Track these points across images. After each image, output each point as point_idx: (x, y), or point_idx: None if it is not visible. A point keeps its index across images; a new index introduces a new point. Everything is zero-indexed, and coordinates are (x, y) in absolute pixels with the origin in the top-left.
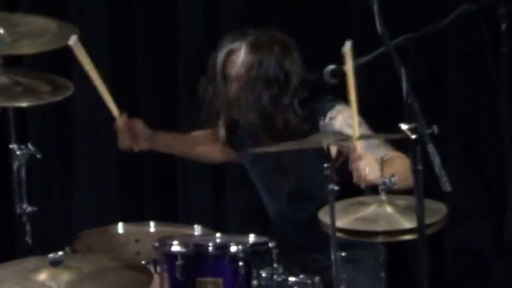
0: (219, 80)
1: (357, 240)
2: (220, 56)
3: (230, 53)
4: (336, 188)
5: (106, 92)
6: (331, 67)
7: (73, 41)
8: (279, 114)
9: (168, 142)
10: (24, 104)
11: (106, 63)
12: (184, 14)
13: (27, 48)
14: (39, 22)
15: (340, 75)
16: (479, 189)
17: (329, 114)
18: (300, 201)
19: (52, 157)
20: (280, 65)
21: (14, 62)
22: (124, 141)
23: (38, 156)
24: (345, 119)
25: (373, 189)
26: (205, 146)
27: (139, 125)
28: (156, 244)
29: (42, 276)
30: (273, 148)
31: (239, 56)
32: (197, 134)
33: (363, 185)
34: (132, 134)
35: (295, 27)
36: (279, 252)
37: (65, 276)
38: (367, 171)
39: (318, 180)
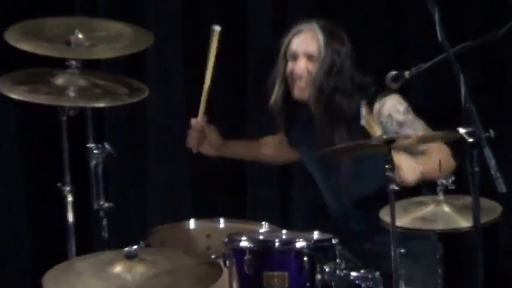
0: (281, 58)
1: (416, 234)
2: (289, 35)
3: (299, 32)
4: (397, 188)
5: (207, 90)
6: (393, 72)
7: (217, 29)
8: (338, 98)
9: (236, 151)
10: (102, 105)
11: (179, 65)
12: (253, 18)
13: (104, 52)
14: (116, 27)
15: (402, 80)
16: None
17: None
18: (355, 189)
19: (127, 156)
20: (348, 53)
21: (92, 65)
22: (192, 140)
23: (114, 155)
24: (393, 105)
25: (430, 189)
26: (270, 150)
27: (212, 131)
28: (226, 240)
29: (118, 268)
30: (335, 147)
31: (312, 35)
32: (263, 140)
33: (409, 184)
34: (202, 136)
35: (358, 34)
36: (342, 246)
37: (139, 269)
38: (406, 177)
39: (372, 167)
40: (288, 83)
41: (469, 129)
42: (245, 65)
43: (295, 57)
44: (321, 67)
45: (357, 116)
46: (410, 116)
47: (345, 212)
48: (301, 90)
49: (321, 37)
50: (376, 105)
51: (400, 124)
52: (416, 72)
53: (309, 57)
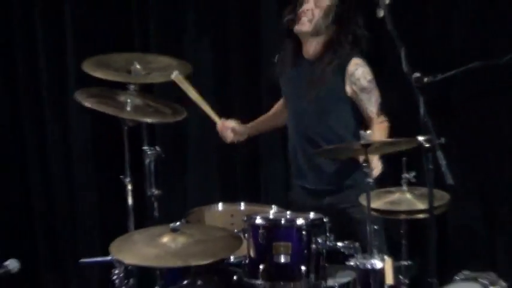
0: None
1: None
2: None
3: None
4: (372, 181)
5: (206, 106)
6: (417, 74)
7: (174, 75)
8: (336, 35)
9: (257, 130)
10: (151, 121)
11: (210, 85)
12: (266, 34)
13: (156, 79)
14: (164, 60)
15: (421, 82)
16: (474, 183)
17: (353, 61)
18: (318, 143)
19: (172, 156)
20: (353, 7)
21: (147, 89)
22: (226, 138)
23: (163, 155)
24: (364, 72)
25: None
26: (279, 115)
27: (234, 124)
28: (245, 218)
29: (165, 239)
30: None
31: None
32: (272, 110)
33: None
34: (229, 131)
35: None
36: (297, 204)
37: (181, 239)
38: (375, 172)
39: (337, 133)
40: (293, 37)
41: (426, 137)
42: (259, 74)
43: (306, 1)
44: (326, 10)
45: (342, 64)
46: (372, 86)
47: (308, 165)
48: (303, 24)
49: None
50: (353, 66)
51: (363, 89)
52: (432, 81)
53: (317, 1)
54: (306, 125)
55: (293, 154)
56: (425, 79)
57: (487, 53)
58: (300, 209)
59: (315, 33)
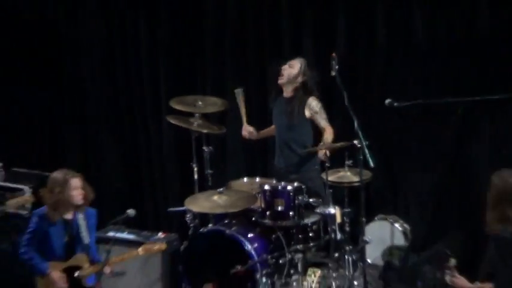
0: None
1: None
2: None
3: (288, 60)
4: (328, 165)
5: (244, 113)
6: (389, 100)
7: (238, 90)
8: (299, 89)
9: (263, 135)
10: (207, 132)
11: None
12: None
13: (209, 109)
14: (214, 99)
15: (392, 104)
16: (383, 164)
17: (310, 99)
18: (290, 145)
19: (219, 152)
20: (311, 70)
21: (204, 115)
22: (244, 135)
23: (213, 151)
24: (317, 103)
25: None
26: (274, 129)
27: (252, 129)
28: (259, 186)
29: (215, 197)
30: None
31: (294, 60)
32: (270, 127)
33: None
34: (249, 133)
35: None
36: (277, 177)
37: (223, 197)
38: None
39: (301, 139)
40: (278, 86)
41: (357, 141)
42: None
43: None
44: (294, 70)
45: (304, 100)
46: (322, 110)
47: (284, 156)
48: (281, 78)
49: (298, 60)
50: (310, 101)
51: (316, 112)
52: (401, 106)
53: (290, 65)
54: (283, 135)
55: (278, 150)
56: (395, 104)
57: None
58: (279, 180)
59: (288, 83)
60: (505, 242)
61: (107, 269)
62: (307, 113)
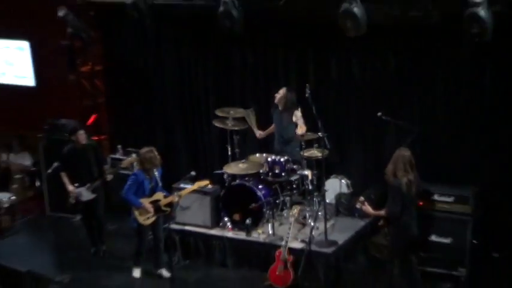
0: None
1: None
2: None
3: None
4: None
5: (254, 124)
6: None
7: (250, 110)
8: (286, 106)
9: (268, 132)
10: (237, 129)
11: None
12: None
13: (237, 115)
14: (240, 110)
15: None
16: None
17: (295, 110)
18: (283, 136)
19: (243, 139)
20: (294, 94)
21: (236, 118)
22: (258, 137)
23: (238, 139)
24: (298, 112)
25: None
26: (272, 130)
27: (261, 132)
28: (265, 158)
29: (240, 165)
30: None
31: (280, 91)
32: (271, 127)
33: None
34: (259, 135)
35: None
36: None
37: (245, 165)
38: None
39: (290, 136)
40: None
41: (321, 133)
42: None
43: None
44: (280, 95)
45: (291, 113)
46: (301, 117)
47: (279, 142)
48: (276, 99)
49: (282, 89)
50: (296, 111)
51: (298, 119)
52: (387, 119)
53: (278, 92)
54: (279, 131)
55: (276, 139)
56: (383, 117)
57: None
58: (277, 155)
59: (278, 103)
60: (393, 187)
61: (176, 200)
62: (294, 119)
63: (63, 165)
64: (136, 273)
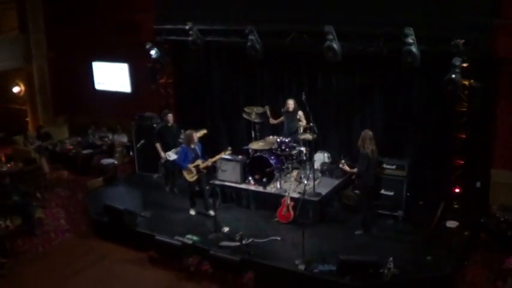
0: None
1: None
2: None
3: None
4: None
5: (270, 114)
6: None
7: (266, 107)
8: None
9: (278, 121)
10: (257, 120)
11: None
12: None
13: (259, 111)
14: (260, 108)
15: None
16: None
17: (299, 111)
18: (290, 127)
19: (261, 127)
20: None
21: (258, 114)
22: (272, 123)
23: (259, 126)
24: (301, 113)
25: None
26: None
27: (274, 121)
28: (276, 140)
29: (260, 143)
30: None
31: (290, 101)
32: (281, 117)
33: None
34: (272, 122)
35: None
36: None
37: (262, 143)
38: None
39: (294, 128)
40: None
41: (312, 124)
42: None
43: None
44: (291, 102)
45: (295, 113)
46: (302, 115)
47: (287, 131)
48: (289, 106)
49: (291, 99)
50: (299, 112)
51: (300, 117)
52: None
53: (289, 101)
54: (287, 124)
55: (285, 129)
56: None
57: None
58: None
59: (289, 106)
60: (362, 154)
61: (209, 164)
62: (298, 117)
63: (158, 137)
64: (192, 212)
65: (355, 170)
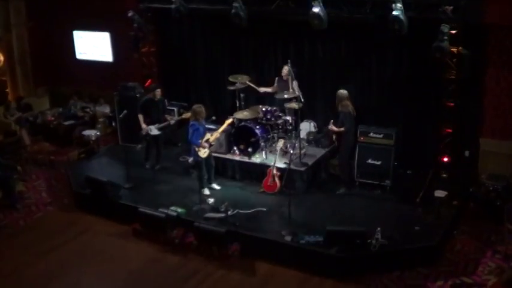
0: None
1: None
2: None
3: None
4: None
5: (254, 85)
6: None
7: (246, 78)
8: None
9: (265, 91)
10: (241, 87)
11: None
12: None
13: (244, 80)
14: (245, 76)
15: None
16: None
17: (294, 82)
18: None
19: (246, 96)
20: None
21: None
22: (260, 91)
23: (244, 95)
24: (295, 83)
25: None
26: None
27: (260, 90)
28: (262, 109)
29: (244, 113)
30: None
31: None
32: (271, 87)
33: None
34: (262, 90)
35: None
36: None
37: (247, 113)
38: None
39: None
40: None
41: (298, 93)
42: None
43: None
44: (285, 70)
45: (291, 81)
46: (296, 84)
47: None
48: (284, 73)
49: (286, 65)
50: (294, 81)
51: (294, 85)
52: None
53: (284, 67)
54: (280, 93)
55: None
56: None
57: None
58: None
59: (284, 74)
60: (345, 113)
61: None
62: (292, 85)
63: (141, 109)
64: (206, 191)
65: (342, 129)
